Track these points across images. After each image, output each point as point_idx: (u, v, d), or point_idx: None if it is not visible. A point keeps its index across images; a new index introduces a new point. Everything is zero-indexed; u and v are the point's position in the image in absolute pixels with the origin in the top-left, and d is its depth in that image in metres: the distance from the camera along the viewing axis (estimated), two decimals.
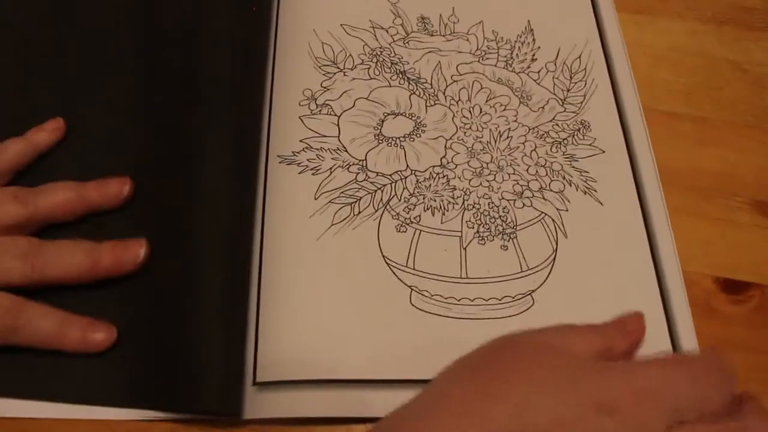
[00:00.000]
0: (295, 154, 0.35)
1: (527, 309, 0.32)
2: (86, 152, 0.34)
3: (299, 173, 0.35)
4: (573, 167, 0.36)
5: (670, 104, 0.39)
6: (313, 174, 0.35)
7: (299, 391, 0.30)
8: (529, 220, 0.34)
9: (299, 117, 0.36)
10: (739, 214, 0.36)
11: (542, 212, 0.34)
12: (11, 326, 0.29)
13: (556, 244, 0.34)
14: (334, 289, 0.32)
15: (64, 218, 0.32)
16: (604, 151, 0.37)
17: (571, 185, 0.35)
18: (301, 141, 0.36)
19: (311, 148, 0.35)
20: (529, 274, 0.33)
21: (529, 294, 0.32)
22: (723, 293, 0.34)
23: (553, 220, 0.34)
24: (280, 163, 0.35)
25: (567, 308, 0.32)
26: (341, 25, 0.40)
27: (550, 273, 0.33)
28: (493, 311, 0.32)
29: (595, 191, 0.35)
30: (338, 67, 0.38)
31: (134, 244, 0.31)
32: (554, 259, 0.33)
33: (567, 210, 0.35)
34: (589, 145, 0.37)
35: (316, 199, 0.34)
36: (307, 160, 0.35)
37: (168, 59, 0.36)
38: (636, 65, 0.40)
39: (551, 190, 0.35)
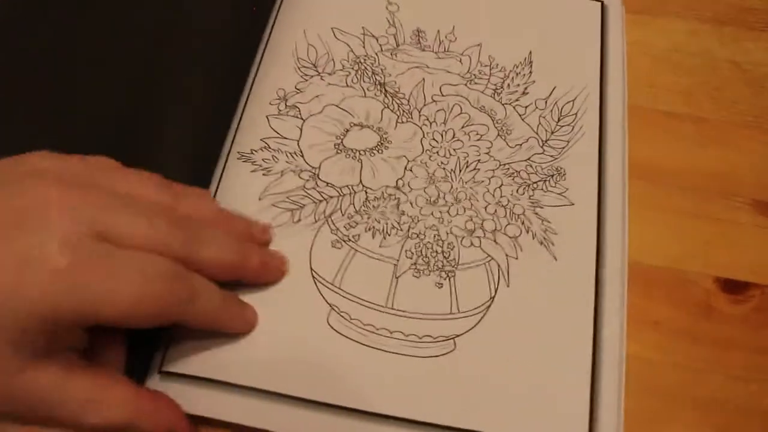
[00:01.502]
0: (252, 152, 0.36)
1: (445, 353, 0.31)
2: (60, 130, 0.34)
3: (251, 171, 0.35)
4: (536, 214, 0.35)
5: (670, 104, 0.39)
6: (264, 174, 0.35)
7: (202, 389, 0.30)
8: (473, 261, 0.33)
9: (266, 116, 0.37)
10: (739, 214, 0.36)
11: (489, 255, 0.33)
12: (188, 298, 0.27)
13: (495, 291, 0.33)
14: (253, 292, 0.32)
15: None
16: (573, 204, 0.35)
17: (528, 232, 0.34)
18: (261, 140, 0.36)
19: (269, 148, 0.36)
20: (457, 318, 0.32)
21: (452, 338, 0.32)
22: (723, 293, 0.34)
23: (498, 265, 0.33)
24: (238, 159, 0.35)
25: (488, 361, 0.31)
26: (332, 28, 0.40)
27: (480, 321, 0.32)
28: (410, 348, 0.31)
29: (553, 244, 0.34)
30: (317, 71, 0.38)
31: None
32: (488, 307, 0.32)
33: (516, 258, 0.34)
34: (560, 194, 0.35)
35: (260, 200, 0.34)
36: (263, 159, 0.35)
37: (151, 37, 0.37)
38: (636, 65, 0.40)
39: (505, 234, 0.34)
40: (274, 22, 0.40)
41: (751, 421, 0.31)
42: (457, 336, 0.32)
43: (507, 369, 0.31)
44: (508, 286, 0.33)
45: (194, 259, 0.28)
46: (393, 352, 0.31)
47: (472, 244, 0.34)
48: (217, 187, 0.35)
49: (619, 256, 0.34)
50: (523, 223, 0.34)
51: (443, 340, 0.32)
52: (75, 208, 0.25)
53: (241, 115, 0.37)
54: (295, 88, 0.38)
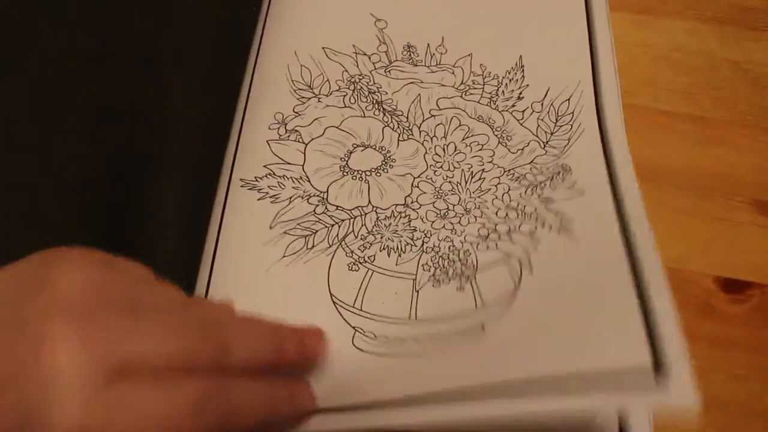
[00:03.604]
0: (257, 180, 0.37)
1: (477, 341, 0.32)
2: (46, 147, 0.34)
3: (258, 199, 0.36)
4: (548, 209, 0.36)
5: (670, 104, 0.41)
6: (272, 202, 0.36)
7: None
8: (492, 262, 0.34)
9: (267, 141, 0.38)
10: (739, 213, 0.38)
11: (507, 253, 0.35)
12: (225, 414, 0.25)
13: (519, 281, 0.34)
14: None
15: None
16: (584, 194, 0.36)
17: (543, 226, 0.35)
18: (265, 166, 0.37)
19: (274, 174, 0.37)
20: (483, 309, 0.33)
21: (481, 327, 0.32)
22: (723, 293, 0.35)
23: (519, 260, 0.34)
24: (241, 187, 0.36)
25: (521, 343, 0.31)
26: (323, 48, 0.41)
27: (508, 307, 0.33)
28: (441, 346, 0.32)
29: (570, 230, 0.35)
30: (314, 93, 0.39)
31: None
32: (515, 294, 0.33)
33: (536, 249, 0.35)
34: (569, 188, 0.37)
35: (271, 228, 0.35)
36: (268, 186, 0.36)
37: (140, 58, 0.37)
38: (636, 65, 0.42)
39: (520, 232, 0.35)
40: (261, 41, 0.41)
41: (751, 420, 0.32)
42: (485, 324, 0.32)
43: (541, 349, 0.30)
44: (531, 273, 0.33)
45: (227, 366, 0.26)
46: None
47: (488, 247, 0.35)
48: (222, 216, 0.36)
49: (646, 229, 0.32)
50: (536, 219, 0.36)
51: (473, 330, 0.32)
52: (85, 343, 0.22)
53: (238, 139, 0.38)
54: (294, 111, 0.39)
